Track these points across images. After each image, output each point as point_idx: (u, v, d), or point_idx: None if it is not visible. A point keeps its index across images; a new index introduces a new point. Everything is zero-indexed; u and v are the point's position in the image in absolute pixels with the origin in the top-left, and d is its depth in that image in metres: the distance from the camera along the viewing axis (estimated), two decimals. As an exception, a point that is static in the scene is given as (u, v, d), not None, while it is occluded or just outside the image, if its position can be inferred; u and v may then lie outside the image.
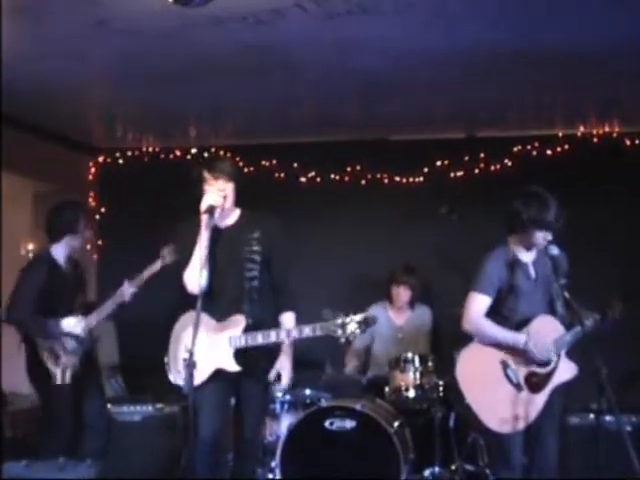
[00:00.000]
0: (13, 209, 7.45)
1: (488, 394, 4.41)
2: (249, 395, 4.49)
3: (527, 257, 4.57)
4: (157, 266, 5.56)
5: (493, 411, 4.38)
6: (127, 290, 5.55)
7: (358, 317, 4.13)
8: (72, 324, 5.52)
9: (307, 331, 4.20)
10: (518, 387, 4.40)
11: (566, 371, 4.48)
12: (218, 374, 4.34)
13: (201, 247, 4.29)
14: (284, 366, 4.45)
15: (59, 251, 5.64)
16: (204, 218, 4.31)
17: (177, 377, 4.41)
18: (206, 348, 4.28)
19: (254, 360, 4.37)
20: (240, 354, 4.32)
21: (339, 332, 4.12)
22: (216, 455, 4.43)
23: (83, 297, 5.78)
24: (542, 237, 4.43)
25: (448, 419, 5.80)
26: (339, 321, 4.12)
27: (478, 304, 4.46)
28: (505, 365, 4.42)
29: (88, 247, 5.89)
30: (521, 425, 4.36)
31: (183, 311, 4.52)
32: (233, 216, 4.53)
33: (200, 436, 4.31)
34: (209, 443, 4.33)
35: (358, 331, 4.13)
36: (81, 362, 5.59)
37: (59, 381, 5.46)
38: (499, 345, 4.43)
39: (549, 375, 4.44)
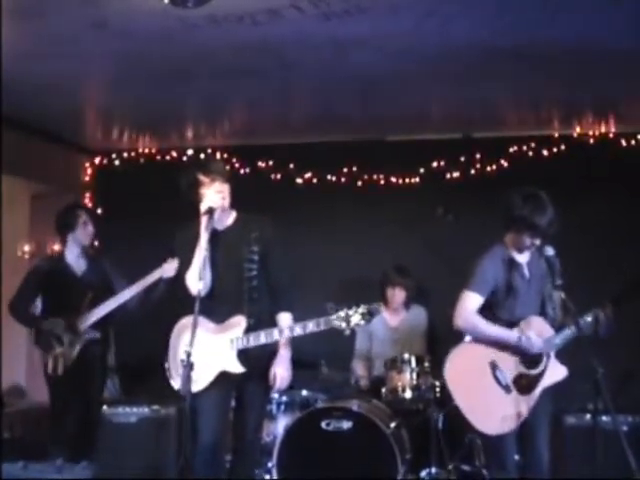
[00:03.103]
0: (10, 210, 7.45)
1: (476, 396, 4.41)
2: (250, 396, 4.50)
3: (521, 257, 4.56)
4: (155, 276, 5.76)
5: (481, 413, 4.38)
6: (129, 292, 5.89)
7: (362, 309, 4.15)
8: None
9: (311, 326, 4.21)
10: (507, 389, 4.40)
11: (555, 373, 4.48)
12: (220, 376, 4.35)
13: (201, 249, 4.29)
14: (280, 368, 4.46)
15: (68, 251, 6.08)
16: (204, 220, 4.33)
17: (179, 381, 4.40)
18: (208, 351, 4.29)
19: (255, 360, 4.39)
20: (242, 355, 4.33)
21: (343, 325, 4.14)
22: (217, 458, 4.43)
23: (96, 294, 5.97)
24: (530, 241, 4.42)
25: (442, 420, 5.79)
26: (342, 314, 4.14)
27: (470, 302, 4.45)
28: (494, 366, 4.43)
29: (96, 243, 6.16)
30: (510, 427, 4.35)
31: (180, 314, 4.52)
32: (230, 217, 4.54)
33: (201, 439, 4.31)
34: (210, 446, 4.32)
35: (363, 322, 4.16)
36: (82, 358, 5.85)
37: (50, 371, 5.83)
38: (491, 342, 4.43)
39: (538, 377, 4.45)
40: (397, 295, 6.62)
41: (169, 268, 5.79)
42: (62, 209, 6.16)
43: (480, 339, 4.45)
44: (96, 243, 6.52)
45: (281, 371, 4.45)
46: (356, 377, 6.36)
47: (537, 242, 4.42)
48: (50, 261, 6.22)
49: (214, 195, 4.35)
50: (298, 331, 4.26)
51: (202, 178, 4.38)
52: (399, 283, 6.61)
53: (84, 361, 5.87)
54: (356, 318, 4.14)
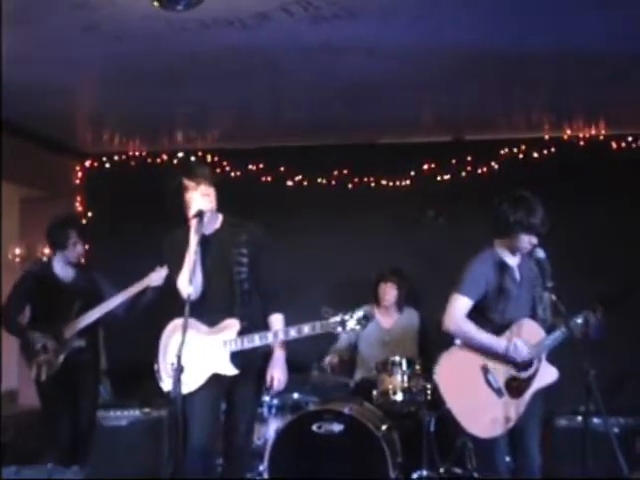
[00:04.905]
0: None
1: (468, 399, 4.42)
2: (242, 399, 4.50)
3: (512, 260, 4.57)
4: (142, 285, 5.76)
5: (473, 416, 4.39)
6: (116, 300, 5.84)
7: (357, 314, 4.16)
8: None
9: (306, 330, 4.22)
10: (499, 392, 4.41)
11: (547, 375, 4.49)
12: (212, 378, 4.34)
13: (190, 252, 4.28)
14: (276, 370, 4.47)
15: (57, 263, 6.02)
16: (193, 223, 4.32)
17: (168, 384, 4.39)
18: (200, 353, 4.29)
19: (247, 363, 4.39)
20: (234, 357, 4.33)
21: (339, 329, 4.15)
22: (207, 460, 4.42)
23: (84, 302, 5.92)
24: (528, 241, 4.43)
25: (434, 422, 5.78)
26: (338, 318, 4.14)
27: (459, 305, 4.45)
28: (485, 370, 4.43)
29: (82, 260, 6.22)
30: (501, 430, 4.37)
31: (171, 317, 4.51)
32: (217, 221, 4.53)
33: (192, 441, 4.29)
34: (201, 449, 4.31)
35: (358, 327, 4.16)
36: (71, 365, 5.78)
37: (34, 377, 5.77)
38: (479, 348, 4.44)
39: (530, 380, 4.45)
40: (389, 292, 6.63)
41: (157, 277, 5.75)
42: (54, 223, 6.06)
43: (469, 345, 4.46)
44: (86, 246, 6.47)
45: (278, 373, 4.47)
46: (325, 362, 6.27)
47: (535, 241, 4.44)
48: (38, 268, 6.15)
49: (201, 198, 4.35)
50: (293, 334, 4.27)
51: (187, 182, 4.39)
52: (391, 279, 6.63)
53: (73, 369, 5.81)
54: (352, 323, 4.15)
